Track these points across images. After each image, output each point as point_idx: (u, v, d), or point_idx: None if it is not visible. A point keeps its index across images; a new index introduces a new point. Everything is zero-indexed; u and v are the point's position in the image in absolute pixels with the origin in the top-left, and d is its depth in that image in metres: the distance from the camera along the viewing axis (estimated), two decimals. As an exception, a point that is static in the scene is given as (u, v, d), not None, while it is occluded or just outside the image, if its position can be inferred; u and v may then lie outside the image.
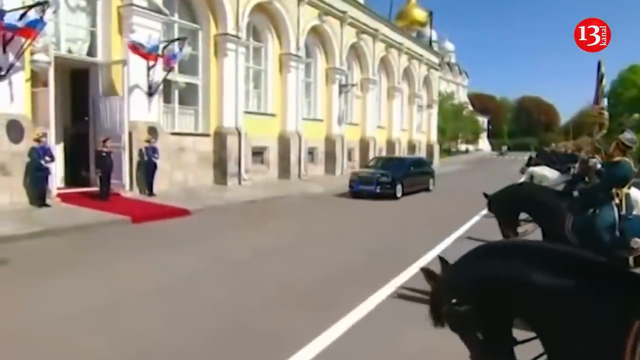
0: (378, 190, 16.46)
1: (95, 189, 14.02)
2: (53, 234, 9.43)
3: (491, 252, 2.53)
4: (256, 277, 6.96)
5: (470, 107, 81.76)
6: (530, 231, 6.06)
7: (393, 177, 16.82)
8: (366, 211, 14.59)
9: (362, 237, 10.37)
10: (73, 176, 14.92)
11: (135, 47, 13.75)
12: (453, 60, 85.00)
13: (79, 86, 15.16)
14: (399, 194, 16.84)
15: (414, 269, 7.08)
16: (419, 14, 66.66)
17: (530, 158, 17.03)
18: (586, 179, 9.59)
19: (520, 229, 6.16)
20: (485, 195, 6.54)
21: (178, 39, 15.03)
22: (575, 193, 6.02)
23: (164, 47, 14.68)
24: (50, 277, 6.78)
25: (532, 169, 11.62)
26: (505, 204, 6.09)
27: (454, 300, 2.45)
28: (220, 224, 11.58)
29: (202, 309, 5.64)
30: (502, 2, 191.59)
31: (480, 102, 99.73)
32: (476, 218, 12.51)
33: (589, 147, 12.20)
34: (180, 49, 14.59)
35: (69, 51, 14.10)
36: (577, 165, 15.29)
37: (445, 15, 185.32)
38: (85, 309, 5.52)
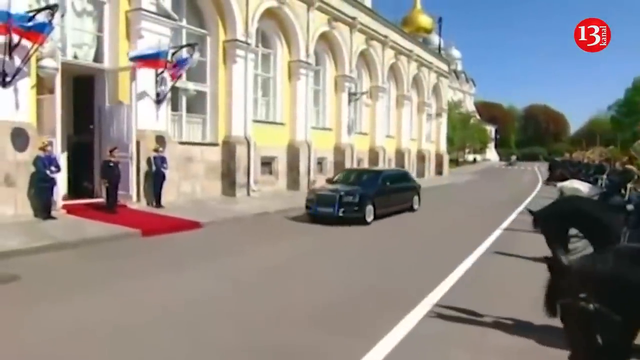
0: (340, 214, 13.14)
1: (100, 200, 13.82)
2: (62, 248, 9.18)
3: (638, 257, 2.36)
4: (278, 297, 6.69)
5: (477, 116, 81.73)
6: (582, 248, 5.80)
7: (361, 196, 13.45)
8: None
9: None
10: (75, 187, 14.68)
11: (142, 60, 13.53)
12: (459, 67, 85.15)
13: (82, 93, 14.97)
14: (369, 218, 13.57)
15: None
16: (425, 20, 66.95)
17: (551, 167, 16.75)
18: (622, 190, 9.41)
19: (570, 246, 5.90)
20: (530, 211, 6.28)
21: (188, 45, 14.85)
22: (630, 207, 5.76)
23: (173, 54, 14.50)
24: (63, 294, 6.52)
25: (561, 184, 11.31)
26: (554, 221, 5.83)
27: (582, 295, 2.31)
28: (232, 238, 11.32)
29: (224, 330, 5.38)
30: (507, 7, 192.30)
31: (487, 111, 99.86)
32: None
33: (625, 158, 12.03)
34: (191, 55, 14.41)
35: (75, 57, 13.93)
36: (604, 176, 15.19)
37: (449, 22, 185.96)
38: (100, 328, 5.31)
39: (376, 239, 11.75)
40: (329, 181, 15.89)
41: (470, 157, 77.09)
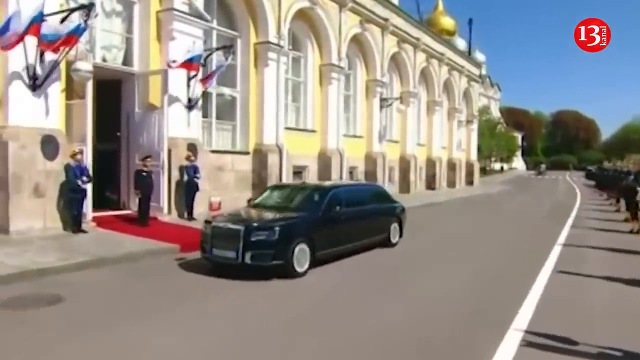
0: (248, 260, 8.30)
1: (128, 212, 13.53)
2: (101, 265, 8.83)
3: None
4: (347, 322, 6.18)
5: (503, 123, 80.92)
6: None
7: (284, 230, 8.55)
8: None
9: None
10: (99, 198, 14.36)
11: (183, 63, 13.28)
12: (484, 71, 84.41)
13: (106, 98, 14.67)
14: (300, 266, 8.61)
15: None
16: (448, 22, 66.38)
17: (625, 178, 16.06)
18: None
19: None
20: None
21: (223, 47, 14.53)
22: None
23: (206, 57, 14.20)
24: (115, 318, 6.10)
25: None
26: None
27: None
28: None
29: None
30: (533, 6, 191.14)
31: (513, 117, 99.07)
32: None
33: None
34: (226, 58, 14.10)
35: (104, 59, 13.67)
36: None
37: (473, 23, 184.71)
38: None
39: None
40: (250, 204, 11.22)
41: (497, 166, 76.23)
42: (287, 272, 8.42)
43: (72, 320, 6.11)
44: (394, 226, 11.98)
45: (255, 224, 8.80)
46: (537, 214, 20.98)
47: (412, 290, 7.95)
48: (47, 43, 10.43)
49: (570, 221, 17.88)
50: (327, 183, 12.61)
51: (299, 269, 8.61)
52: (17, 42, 9.86)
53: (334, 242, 9.72)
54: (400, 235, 12.21)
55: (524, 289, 7.97)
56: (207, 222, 9.25)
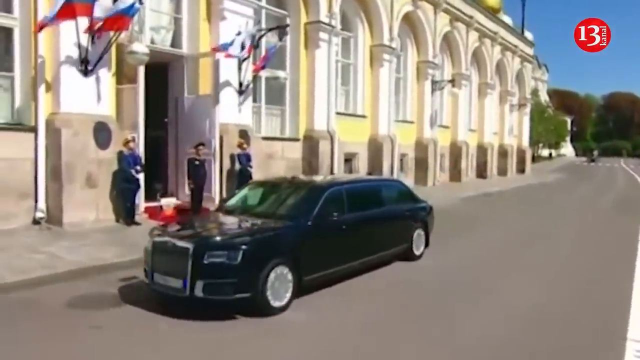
0: (198, 292, 5.98)
1: (178, 202, 13.33)
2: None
3: None
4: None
5: (552, 106, 78.67)
6: None
7: (251, 249, 6.16)
8: None
9: None
10: (146, 187, 14.18)
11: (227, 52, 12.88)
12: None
13: (154, 83, 14.42)
14: (278, 300, 6.28)
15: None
16: (493, -1, 64.55)
17: None
18: None
19: None
20: None
21: (278, 27, 14.09)
22: None
23: (259, 38, 13.80)
24: (188, 326, 5.79)
25: None
26: None
27: None
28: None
29: None
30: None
31: (561, 100, 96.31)
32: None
33: None
34: (281, 39, 13.70)
35: (152, 41, 13.38)
36: None
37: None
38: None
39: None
40: (220, 207, 8.84)
41: (545, 153, 74.29)
42: (258, 307, 6.11)
43: (143, 323, 5.85)
44: (418, 233, 9.47)
45: (211, 240, 6.54)
46: (603, 205, 20.12)
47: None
48: (99, 24, 10.20)
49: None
50: (325, 178, 10.67)
51: (276, 303, 6.22)
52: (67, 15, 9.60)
53: (331, 261, 7.26)
54: (427, 245, 9.72)
55: (625, 293, 7.40)
56: (153, 233, 6.81)
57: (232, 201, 8.48)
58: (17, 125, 10.40)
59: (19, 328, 5.64)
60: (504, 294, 7.46)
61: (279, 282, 6.29)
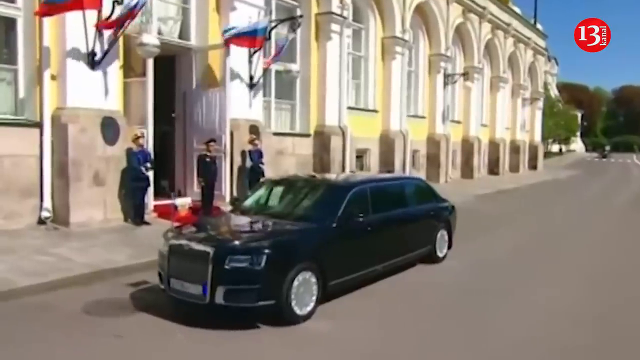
0: (219, 299, 5.70)
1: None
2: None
3: None
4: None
5: (561, 100, 78.35)
6: None
7: (275, 252, 5.89)
8: None
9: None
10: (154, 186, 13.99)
11: (237, 38, 12.61)
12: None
13: (161, 76, 14.18)
14: (302, 307, 6.05)
15: None
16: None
17: None
18: None
19: None
20: None
21: (291, 18, 13.86)
22: None
23: (271, 29, 13.57)
24: (217, 335, 5.61)
25: None
26: None
27: None
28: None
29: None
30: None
31: (570, 94, 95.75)
32: None
33: None
34: (294, 30, 13.48)
35: (159, 33, 13.15)
36: None
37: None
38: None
39: None
40: (235, 208, 8.30)
41: (555, 148, 74.01)
42: (282, 315, 5.89)
43: (161, 331, 5.67)
44: (441, 234, 9.21)
45: (232, 243, 6.26)
46: (625, 202, 19.95)
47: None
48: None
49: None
50: (344, 176, 10.19)
51: (300, 311, 6.00)
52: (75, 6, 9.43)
53: (355, 265, 7.03)
54: (449, 247, 9.51)
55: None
56: (167, 234, 6.58)
57: (248, 201, 8.16)
58: (21, 120, 10.18)
59: (38, 336, 5.45)
60: (534, 297, 7.26)
61: (304, 288, 6.05)
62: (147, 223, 10.83)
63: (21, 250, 8.36)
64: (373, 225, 7.34)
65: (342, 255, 6.75)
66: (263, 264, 5.73)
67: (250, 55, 13.62)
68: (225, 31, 12.66)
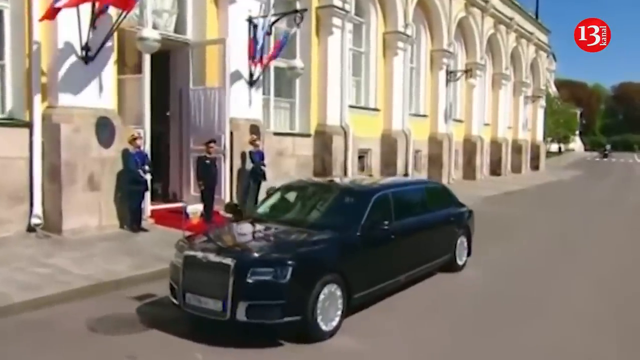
0: (241, 316, 5.43)
1: (179, 205, 12.82)
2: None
3: None
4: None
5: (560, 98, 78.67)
6: None
7: (301, 264, 5.67)
8: None
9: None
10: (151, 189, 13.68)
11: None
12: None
13: (154, 73, 13.88)
14: (327, 323, 5.82)
15: None
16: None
17: None
18: None
19: None
20: None
21: (295, 11, 13.57)
22: None
23: (273, 23, 13.31)
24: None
25: None
26: None
27: None
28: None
29: None
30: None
31: (569, 91, 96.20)
32: None
33: None
34: (298, 24, 13.22)
35: (154, 27, 12.80)
36: None
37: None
38: None
39: None
40: (248, 215, 8.03)
41: (554, 147, 74.25)
42: (307, 332, 5.69)
43: (175, 350, 5.41)
44: (461, 241, 8.99)
45: (254, 255, 5.96)
46: (636, 203, 19.94)
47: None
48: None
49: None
50: (366, 182, 9.77)
51: (326, 327, 5.78)
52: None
53: (380, 276, 6.82)
54: (469, 254, 9.27)
55: None
56: (180, 245, 6.29)
57: (261, 208, 7.88)
58: (8, 121, 9.81)
59: (44, 358, 5.17)
60: (562, 306, 7.20)
61: (329, 302, 5.82)
62: (144, 229, 10.54)
63: (13, 261, 8.03)
64: (397, 232, 7.12)
65: (366, 265, 6.52)
66: (288, 277, 5.49)
67: (250, 52, 13.31)
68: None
